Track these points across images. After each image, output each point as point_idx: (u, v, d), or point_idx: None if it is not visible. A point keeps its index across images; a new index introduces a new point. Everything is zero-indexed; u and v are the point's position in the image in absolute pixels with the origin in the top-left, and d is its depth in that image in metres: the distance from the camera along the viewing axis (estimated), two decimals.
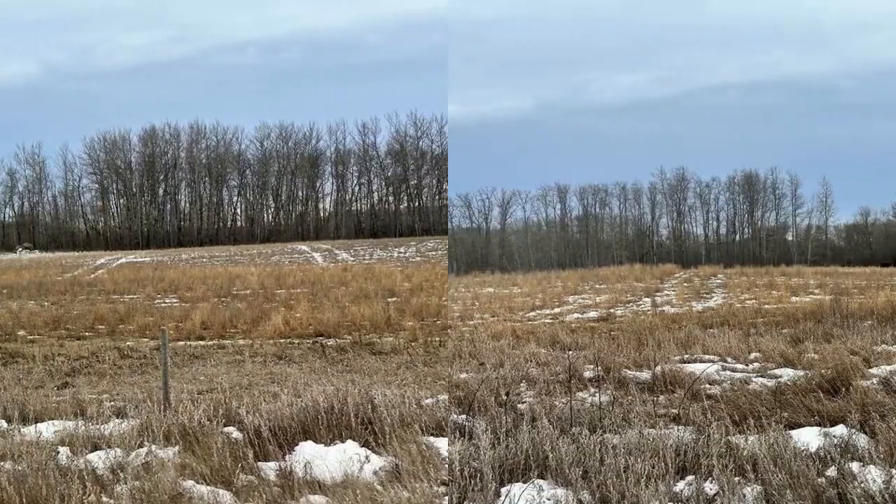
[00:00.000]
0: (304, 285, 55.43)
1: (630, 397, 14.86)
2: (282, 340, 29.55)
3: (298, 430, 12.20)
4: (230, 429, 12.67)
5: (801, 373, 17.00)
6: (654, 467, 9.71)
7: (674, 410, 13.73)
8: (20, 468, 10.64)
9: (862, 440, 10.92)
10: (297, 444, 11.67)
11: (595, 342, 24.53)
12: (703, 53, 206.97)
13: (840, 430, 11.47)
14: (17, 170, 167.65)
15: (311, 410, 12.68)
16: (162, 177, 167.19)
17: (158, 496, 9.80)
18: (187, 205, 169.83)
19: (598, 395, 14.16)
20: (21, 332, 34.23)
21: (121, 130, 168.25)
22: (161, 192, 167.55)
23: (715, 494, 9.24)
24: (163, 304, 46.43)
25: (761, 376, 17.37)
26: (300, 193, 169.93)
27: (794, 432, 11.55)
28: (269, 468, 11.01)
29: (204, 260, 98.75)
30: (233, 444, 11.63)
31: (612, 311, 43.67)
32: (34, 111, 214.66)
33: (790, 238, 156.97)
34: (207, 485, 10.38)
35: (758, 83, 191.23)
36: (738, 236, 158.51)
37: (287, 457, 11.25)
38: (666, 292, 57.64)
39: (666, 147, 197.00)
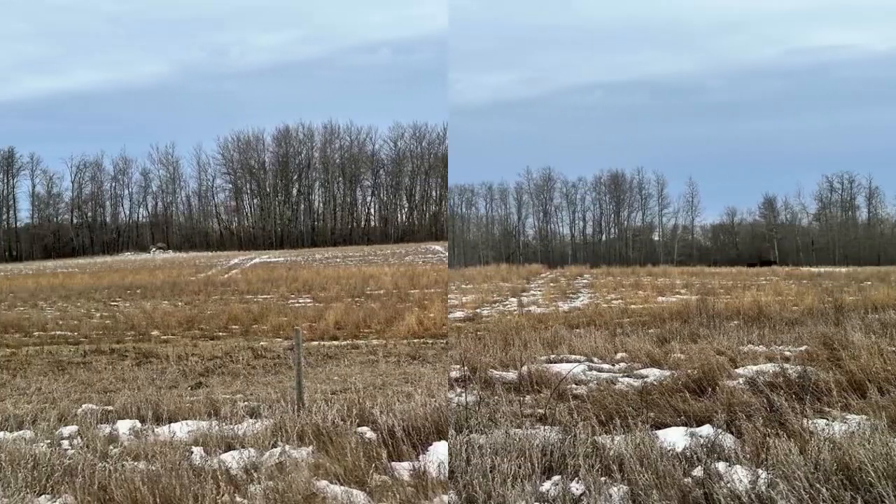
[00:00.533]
0: (437, 285, 55.44)
1: (496, 397, 14.56)
2: (415, 340, 29.55)
3: (432, 430, 12.07)
4: (364, 429, 12.58)
5: (667, 373, 16.66)
6: (520, 467, 9.64)
7: (540, 410, 13.42)
8: (154, 468, 10.65)
9: (728, 440, 10.82)
10: (430, 444, 11.55)
11: (461, 342, 24.21)
12: (570, 54, 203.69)
13: (706, 430, 11.34)
14: (151, 170, 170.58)
15: (445, 410, 12.55)
16: (296, 177, 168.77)
17: (292, 496, 9.71)
18: (321, 205, 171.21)
19: (464, 395, 14.00)
20: (155, 332, 34.68)
21: (254, 130, 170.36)
22: (295, 192, 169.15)
23: (581, 494, 9.13)
24: (296, 304, 46.74)
25: (627, 376, 16.97)
26: (434, 193, 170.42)
27: (660, 432, 11.42)
28: (403, 468, 10.88)
29: (338, 260, 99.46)
30: (366, 444, 11.52)
31: (478, 311, 42.76)
32: (168, 111, 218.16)
33: (656, 238, 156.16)
34: (341, 485, 10.28)
35: (624, 83, 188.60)
36: (604, 236, 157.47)
37: (421, 457, 11.12)
38: (532, 292, 56.70)
39: (532, 147, 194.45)
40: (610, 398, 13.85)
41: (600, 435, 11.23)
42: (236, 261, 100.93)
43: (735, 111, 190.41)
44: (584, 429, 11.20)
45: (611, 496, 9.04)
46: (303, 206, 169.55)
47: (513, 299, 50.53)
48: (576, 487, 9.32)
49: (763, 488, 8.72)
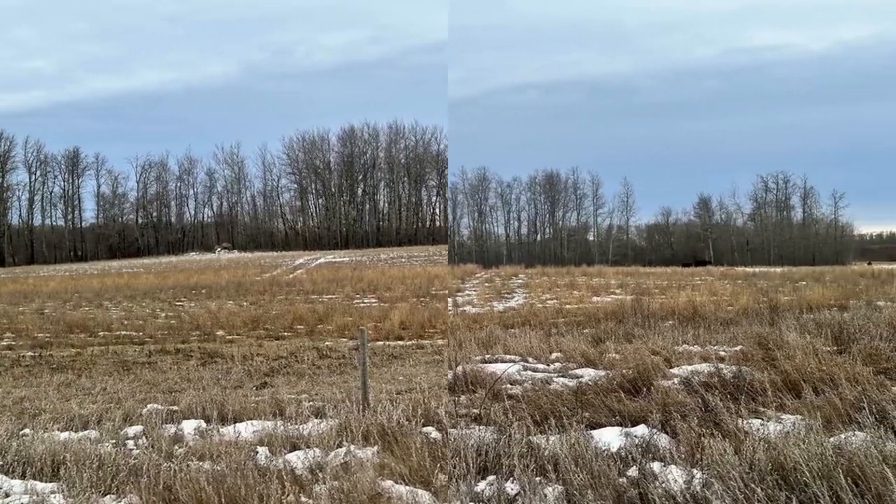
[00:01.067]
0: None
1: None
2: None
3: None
4: (429, 429, 12.49)
5: (602, 373, 16.45)
6: (455, 467, 9.68)
7: (475, 410, 13.24)
8: (219, 468, 10.61)
9: (663, 440, 10.76)
10: None
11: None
12: (504, 53, 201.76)
13: (641, 430, 11.28)
14: (216, 170, 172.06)
15: None
16: (361, 177, 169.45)
17: (357, 496, 9.63)
18: (386, 204, 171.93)
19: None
20: (220, 332, 34.78)
21: (319, 130, 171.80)
22: (360, 191, 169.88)
23: (516, 494, 9.11)
24: (361, 304, 46.78)
25: (563, 376, 16.73)
26: None
27: (595, 432, 11.36)
28: None
29: (403, 260, 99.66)
30: (431, 444, 11.43)
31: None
32: (233, 111, 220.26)
33: (591, 238, 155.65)
34: (406, 485, 10.20)
35: (559, 83, 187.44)
36: (539, 236, 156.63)
37: None
38: (467, 292, 56.13)
39: (467, 147, 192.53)
40: (545, 398, 13.74)
41: (535, 435, 11.23)
42: (301, 261, 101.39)
43: (670, 111, 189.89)
44: (519, 429, 11.21)
45: (546, 496, 9.01)
46: (368, 205, 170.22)
47: (448, 299, 50.12)
48: (511, 487, 9.32)
49: (698, 488, 8.70)
